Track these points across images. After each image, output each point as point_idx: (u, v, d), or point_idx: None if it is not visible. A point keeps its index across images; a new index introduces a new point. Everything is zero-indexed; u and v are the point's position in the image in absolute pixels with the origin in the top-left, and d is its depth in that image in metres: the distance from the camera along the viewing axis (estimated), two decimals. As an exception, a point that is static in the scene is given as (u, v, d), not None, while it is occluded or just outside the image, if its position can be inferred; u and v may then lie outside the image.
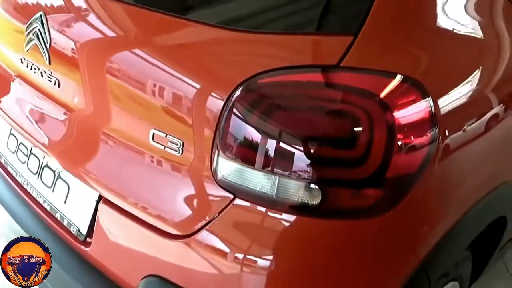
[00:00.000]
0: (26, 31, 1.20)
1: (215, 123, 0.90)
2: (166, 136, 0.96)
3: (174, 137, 0.95)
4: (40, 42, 1.16)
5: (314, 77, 0.87)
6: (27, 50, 1.21)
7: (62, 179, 1.22)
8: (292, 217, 0.89)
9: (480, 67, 1.05)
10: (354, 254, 0.92)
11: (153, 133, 0.98)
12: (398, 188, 0.89)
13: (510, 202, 1.27)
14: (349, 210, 0.88)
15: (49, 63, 1.15)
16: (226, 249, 0.92)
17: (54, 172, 1.24)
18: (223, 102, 0.89)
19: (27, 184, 1.31)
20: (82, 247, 1.15)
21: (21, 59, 1.25)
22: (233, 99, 0.88)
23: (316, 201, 0.86)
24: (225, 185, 0.91)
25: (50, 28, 1.14)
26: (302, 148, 0.84)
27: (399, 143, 0.86)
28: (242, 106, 0.88)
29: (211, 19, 1.00)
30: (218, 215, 0.92)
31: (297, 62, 0.89)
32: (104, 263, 1.12)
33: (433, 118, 0.90)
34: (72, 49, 1.13)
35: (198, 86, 0.95)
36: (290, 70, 0.88)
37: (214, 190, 0.93)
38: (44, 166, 1.27)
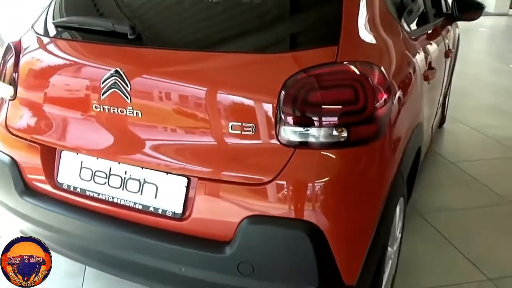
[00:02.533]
0: (102, 83, 1.65)
1: (276, 107, 1.48)
2: (241, 124, 1.51)
3: (248, 123, 1.51)
4: (119, 88, 1.63)
5: (328, 69, 1.50)
6: (104, 97, 1.66)
7: (148, 182, 1.66)
8: (332, 151, 1.49)
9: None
10: (368, 165, 1.55)
11: (231, 125, 1.52)
12: (381, 125, 1.55)
13: (422, 136, 2.04)
14: (360, 139, 1.51)
15: (130, 101, 1.62)
16: (297, 180, 1.49)
17: (139, 180, 1.68)
18: (277, 94, 1.48)
19: (113, 198, 1.72)
20: (180, 223, 1.61)
21: (95, 106, 1.69)
22: (284, 91, 1.47)
23: (344, 137, 1.48)
24: (288, 143, 1.49)
25: (127, 78, 1.62)
26: (333, 107, 1.47)
27: (379, 100, 1.53)
28: (291, 92, 1.47)
29: (245, 47, 1.59)
30: (287, 162, 1.49)
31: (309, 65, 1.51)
32: (202, 228, 1.59)
33: (390, 86, 1.59)
34: (148, 88, 1.62)
35: (259, 90, 1.52)
36: (313, 67, 1.50)
37: (280, 149, 1.50)
38: (128, 179, 1.70)
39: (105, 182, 1.73)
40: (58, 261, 2.34)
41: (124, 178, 1.69)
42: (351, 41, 1.57)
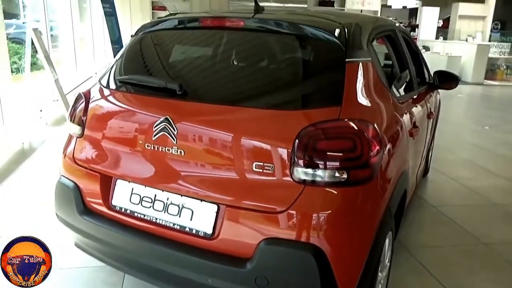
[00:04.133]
0: (155, 127, 1.83)
1: (290, 152, 1.64)
2: (263, 164, 1.67)
3: (269, 164, 1.66)
4: (168, 132, 1.80)
5: (333, 124, 1.66)
6: (155, 139, 1.83)
7: (186, 207, 1.80)
8: (334, 189, 1.63)
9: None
10: (363, 201, 1.68)
11: (255, 164, 1.68)
12: (374, 169, 1.70)
13: (407, 181, 2.16)
14: (357, 180, 1.65)
15: (176, 142, 1.79)
16: (306, 211, 1.62)
17: (178, 205, 1.82)
18: (292, 142, 1.64)
19: (156, 219, 1.85)
20: (210, 242, 1.73)
21: (146, 145, 1.86)
22: (297, 140, 1.63)
23: (344, 178, 1.62)
24: (299, 181, 1.63)
25: (174, 124, 1.79)
26: (336, 154, 1.62)
27: (373, 150, 1.68)
28: (303, 141, 1.63)
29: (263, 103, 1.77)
30: (298, 196, 1.63)
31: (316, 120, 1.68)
32: (227, 246, 1.71)
33: (381, 139, 1.74)
34: (190, 132, 1.79)
35: (278, 138, 1.68)
36: (321, 122, 1.66)
37: (293, 185, 1.64)
38: (169, 204, 1.84)
39: (151, 206, 1.86)
40: (96, 270, 2.47)
41: (166, 203, 1.83)
42: (351, 103, 1.74)
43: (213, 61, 2.07)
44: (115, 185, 1.97)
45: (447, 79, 3.31)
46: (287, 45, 1.95)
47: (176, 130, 1.77)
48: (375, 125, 1.74)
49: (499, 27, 15.83)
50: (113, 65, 2.27)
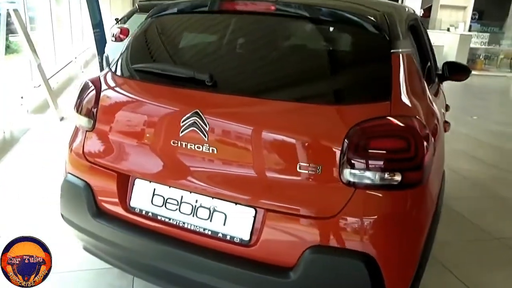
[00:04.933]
0: (182, 122, 1.64)
1: (340, 152, 1.48)
2: (309, 165, 1.51)
3: (315, 164, 1.50)
4: (199, 128, 1.61)
5: (385, 121, 1.51)
6: (183, 135, 1.64)
7: (218, 211, 1.63)
8: (387, 192, 1.49)
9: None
10: (415, 205, 1.55)
11: (300, 165, 1.51)
12: (426, 170, 1.56)
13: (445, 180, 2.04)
14: (411, 183, 1.51)
15: (207, 139, 1.61)
16: (357, 217, 1.48)
17: (209, 209, 1.65)
18: (342, 141, 1.48)
19: (183, 223, 1.68)
20: (247, 249, 1.57)
21: (173, 141, 1.67)
22: (347, 138, 1.48)
23: (398, 180, 1.48)
24: (349, 183, 1.48)
25: (205, 119, 1.61)
26: (389, 155, 1.47)
27: (425, 150, 1.54)
28: (354, 140, 1.48)
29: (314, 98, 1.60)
30: (349, 201, 1.48)
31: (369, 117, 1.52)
32: (267, 254, 1.55)
33: (429, 137, 1.60)
34: (224, 128, 1.61)
35: (326, 136, 1.52)
36: (373, 119, 1.51)
37: (343, 188, 1.49)
38: (198, 207, 1.67)
39: (177, 209, 1.69)
40: (102, 273, 2.29)
41: (195, 206, 1.66)
42: (400, 98, 1.59)
43: (244, 49, 1.87)
44: (134, 185, 1.78)
45: (457, 71, 3.21)
46: (327, 33, 1.79)
47: (207, 126, 1.59)
48: (424, 122, 1.60)
49: (477, 17, 16.06)
50: (124, 51, 2.05)
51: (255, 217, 1.57)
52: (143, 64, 1.89)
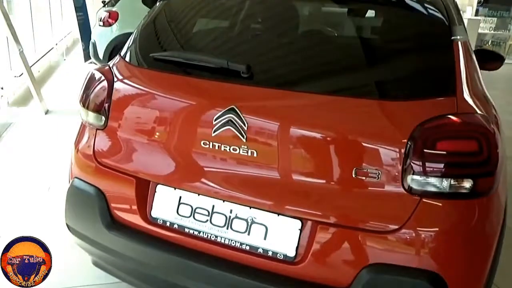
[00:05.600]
0: (215, 120, 1.49)
1: (403, 155, 1.35)
2: (366, 170, 1.38)
3: (373, 169, 1.37)
4: (235, 127, 1.47)
5: (454, 120, 1.39)
6: (216, 134, 1.50)
7: (257, 223, 1.50)
8: (457, 201, 1.37)
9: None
10: (487, 215, 1.43)
11: (356, 170, 1.38)
12: (497, 176, 1.44)
13: None
14: (483, 191, 1.39)
15: (245, 140, 1.47)
16: (424, 230, 1.36)
17: (246, 220, 1.52)
18: (405, 142, 1.35)
19: (215, 237, 1.54)
20: (292, 266, 1.44)
21: (203, 142, 1.52)
22: (411, 139, 1.35)
23: (469, 188, 1.36)
24: (414, 191, 1.36)
25: (243, 116, 1.47)
26: (460, 158, 1.35)
27: (497, 151, 1.41)
28: (419, 141, 1.35)
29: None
30: (413, 211, 1.36)
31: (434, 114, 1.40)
32: (316, 273, 1.43)
33: (499, 135, 1.48)
34: (266, 128, 1.47)
35: (386, 136, 1.39)
36: (439, 117, 1.38)
37: (406, 197, 1.37)
38: (233, 218, 1.53)
39: (207, 220, 1.55)
40: None
41: (229, 217, 1.52)
42: (465, 92, 1.47)
43: (286, 35, 1.72)
44: (155, 192, 1.64)
45: (490, 59, 3.10)
46: (381, 18, 1.64)
47: (245, 124, 1.45)
48: (492, 120, 1.48)
49: (482, 1, 16.01)
50: (137, 36, 1.89)
51: (301, 230, 1.44)
52: (165, 52, 1.73)
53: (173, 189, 1.61)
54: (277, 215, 1.47)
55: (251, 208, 1.50)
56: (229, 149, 1.48)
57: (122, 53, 1.89)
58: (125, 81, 1.75)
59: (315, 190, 1.43)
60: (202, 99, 1.58)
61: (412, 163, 1.34)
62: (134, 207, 1.65)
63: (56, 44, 8.20)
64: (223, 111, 1.48)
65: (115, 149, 1.72)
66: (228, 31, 1.83)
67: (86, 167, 1.78)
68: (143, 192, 1.65)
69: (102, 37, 6.00)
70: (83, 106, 1.81)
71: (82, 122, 1.90)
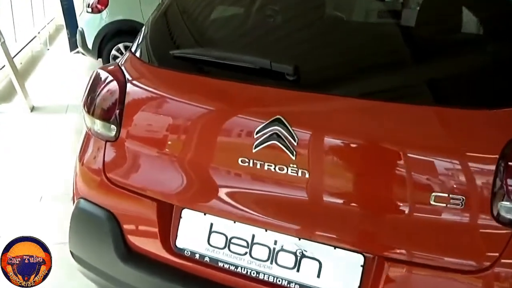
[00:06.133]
0: (257, 133, 1.29)
1: (491, 178, 1.16)
2: (448, 195, 1.18)
3: (456, 195, 1.18)
4: (282, 142, 1.26)
5: None
6: (257, 151, 1.29)
7: (308, 257, 1.30)
8: None
9: None
10: None
11: (434, 196, 1.19)
12: None
13: None
14: None
15: (295, 157, 1.26)
16: None
17: (294, 253, 1.32)
18: (495, 162, 1.16)
19: (257, 273, 1.34)
20: None
21: (241, 160, 1.32)
22: (503, 157, 1.15)
23: None
24: (507, 221, 1.17)
25: (292, 129, 1.26)
26: None
27: None
28: None
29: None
30: (506, 247, 1.16)
31: None
32: None
33: None
34: (321, 143, 1.27)
35: (470, 155, 1.19)
36: None
37: (495, 228, 1.17)
38: (279, 251, 1.33)
39: (246, 253, 1.36)
40: None
41: (274, 249, 1.33)
42: None
43: (343, 29, 1.48)
44: (181, 217, 1.43)
45: None
46: (456, 9, 1.43)
47: (295, 139, 1.25)
48: None
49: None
50: (150, 29, 1.67)
51: (364, 266, 1.25)
52: (189, 50, 1.51)
53: (203, 214, 1.41)
54: (333, 248, 1.28)
55: (301, 239, 1.31)
56: (274, 169, 1.28)
57: (133, 49, 1.66)
58: (141, 83, 1.53)
59: (383, 218, 1.24)
60: (238, 108, 1.37)
61: (504, 187, 1.15)
62: (155, 235, 1.44)
63: (39, 33, 7.89)
64: (267, 122, 1.27)
65: (130, 166, 1.51)
66: (263, 23, 1.60)
67: (94, 186, 1.57)
68: (166, 217, 1.45)
69: (90, 24, 5.74)
70: (88, 112, 1.59)
71: (86, 131, 1.68)
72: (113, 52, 5.74)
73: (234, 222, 1.38)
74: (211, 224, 1.41)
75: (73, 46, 6.71)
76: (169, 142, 1.44)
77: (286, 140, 1.26)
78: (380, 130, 1.24)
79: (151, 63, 1.56)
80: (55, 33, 8.87)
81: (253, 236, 1.36)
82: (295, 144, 1.25)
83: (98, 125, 1.57)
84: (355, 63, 1.37)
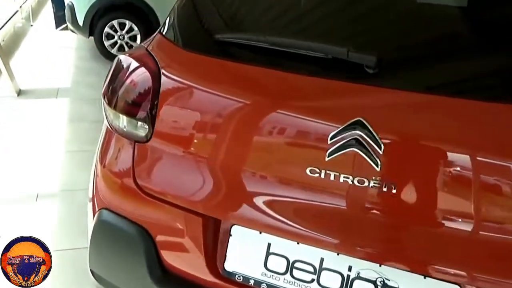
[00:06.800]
0: (332, 139, 1.12)
1: None
2: None
3: None
4: (364, 149, 1.10)
5: None
6: (331, 159, 1.13)
7: (391, 287, 1.15)
8: None
9: None
10: None
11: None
12: None
13: None
14: None
15: (379, 168, 1.10)
16: None
17: (374, 282, 1.16)
18: None
19: (327, 305, 1.19)
20: None
21: (310, 169, 1.15)
22: None
23: None
24: None
25: (376, 134, 1.09)
26: None
27: None
28: None
29: None
30: None
31: None
32: None
33: None
34: (413, 152, 1.11)
35: None
36: None
37: None
38: (354, 279, 1.18)
39: (313, 280, 1.21)
40: None
41: (348, 276, 1.18)
42: None
43: (430, 10, 1.29)
44: (230, 235, 1.27)
45: None
46: None
47: (380, 146, 1.08)
48: None
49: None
50: (187, 7, 1.48)
51: None
52: (243, 34, 1.32)
53: (258, 232, 1.25)
54: (423, 277, 1.13)
55: (381, 266, 1.15)
56: (352, 181, 1.12)
57: (164, 31, 1.48)
58: (180, 73, 1.36)
59: (485, 242, 1.09)
60: (306, 106, 1.19)
61: None
62: (199, 255, 1.28)
63: (20, 7, 7.57)
64: (344, 126, 1.11)
65: (167, 173, 1.33)
66: (330, 2, 1.40)
67: (122, 195, 1.40)
68: (212, 234, 1.28)
69: (81, -2, 5.48)
70: (110, 105, 1.41)
71: (107, 127, 1.50)
72: (107, 29, 5.50)
73: (298, 243, 1.22)
74: (269, 245, 1.25)
75: (59, 22, 6.42)
76: (216, 146, 1.27)
77: (369, 148, 1.09)
78: (492, 137, 1.08)
79: (189, 49, 1.38)
80: (38, 7, 8.53)
81: (322, 260, 1.20)
82: (380, 152, 1.09)
83: (124, 122, 1.40)
84: (454, 55, 1.19)
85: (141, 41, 5.60)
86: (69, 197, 2.74)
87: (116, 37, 5.55)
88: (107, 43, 5.54)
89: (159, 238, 1.33)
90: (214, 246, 1.29)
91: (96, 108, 4.06)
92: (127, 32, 5.55)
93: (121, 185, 1.41)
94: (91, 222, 1.50)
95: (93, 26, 5.50)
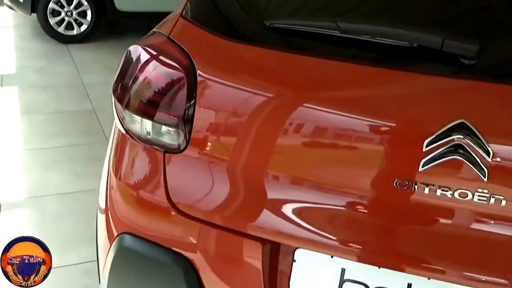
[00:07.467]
0: (428, 146, 1.00)
1: None
2: None
3: None
4: (469, 157, 0.98)
5: None
6: (426, 169, 1.01)
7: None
8: None
9: None
10: None
11: None
12: None
13: None
14: None
15: (488, 179, 0.99)
16: None
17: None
18: None
19: None
20: None
21: (398, 182, 1.02)
22: None
23: None
24: None
25: (484, 139, 0.98)
26: None
27: None
28: None
29: None
30: None
31: None
32: None
33: None
34: None
35: None
36: None
37: None
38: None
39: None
40: None
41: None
42: None
43: None
44: (293, 260, 1.13)
45: None
46: None
47: (489, 153, 0.97)
48: None
49: None
50: None
51: None
52: (299, 20, 1.16)
53: (329, 257, 1.12)
54: None
55: None
56: (452, 194, 1.00)
57: (190, 14, 1.29)
58: (220, 67, 1.18)
59: None
60: (394, 107, 1.06)
61: None
62: (258, 286, 1.13)
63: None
64: (444, 129, 0.98)
65: (213, 190, 1.17)
66: None
67: (152, 216, 1.22)
68: (272, 261, 1.14)
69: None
70: (130, 108, 1.22)
71: (118, 134, 1.31)
72: (51, 5, 5.13)
73: (379, 268, 1.09)
74: (343, 271, 1.12)
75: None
76: (276, 157, 1.11)
77: (475, 155, 0.98)
78: None
79: (230, 37, 1.20)
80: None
81: (409, 286, 1.08)
82: (489, 160, 0.97)
83: (147, 128, 1.21)
84: None
85: (92, 18, 5.26)
86: (39, 204, 2.49)
87: (63, 14, 5.21)
88: (52, 21, 5.18)
89: (204, 269, 1.18)
90: (273, 275, 1.15)
91: (50, 97, 3.78)
92: (75, 8, 5.21)
93: (149, 203, 1.23)
94: (105, 247, 1.32)
95: (35, 2, 5.10)
